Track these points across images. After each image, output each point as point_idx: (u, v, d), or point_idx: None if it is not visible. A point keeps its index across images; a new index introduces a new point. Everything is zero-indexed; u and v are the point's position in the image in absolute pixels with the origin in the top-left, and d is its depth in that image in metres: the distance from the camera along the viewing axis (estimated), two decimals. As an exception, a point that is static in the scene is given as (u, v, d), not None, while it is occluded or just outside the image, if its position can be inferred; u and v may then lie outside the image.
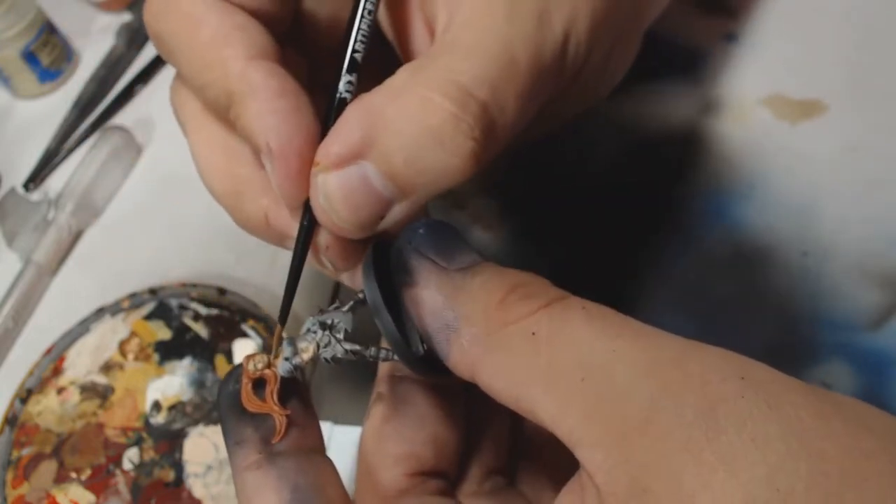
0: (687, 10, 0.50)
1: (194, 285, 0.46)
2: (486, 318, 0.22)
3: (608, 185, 0.45)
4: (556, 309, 0.22)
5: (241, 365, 0.26)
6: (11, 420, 0.43)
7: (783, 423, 0.18)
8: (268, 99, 0.25)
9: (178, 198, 0.51)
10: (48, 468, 0.42)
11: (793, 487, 0.17)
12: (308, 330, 0.26)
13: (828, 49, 0.48)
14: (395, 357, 0.25)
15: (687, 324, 0.41)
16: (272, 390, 0.25)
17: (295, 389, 0.26)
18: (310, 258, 0.27)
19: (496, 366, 0.22)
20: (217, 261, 0.48)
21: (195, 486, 0.40)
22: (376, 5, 0.27)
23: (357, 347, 0.25)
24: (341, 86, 0.26)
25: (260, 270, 0.47)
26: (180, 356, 0.44)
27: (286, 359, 0.25)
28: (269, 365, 0.25)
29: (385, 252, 0.25)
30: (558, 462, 0.30)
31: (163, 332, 0.45)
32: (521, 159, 0.47)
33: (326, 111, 0.26)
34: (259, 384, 0.25)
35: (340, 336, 0.25)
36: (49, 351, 0.45)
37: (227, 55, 0.26)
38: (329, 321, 0.26)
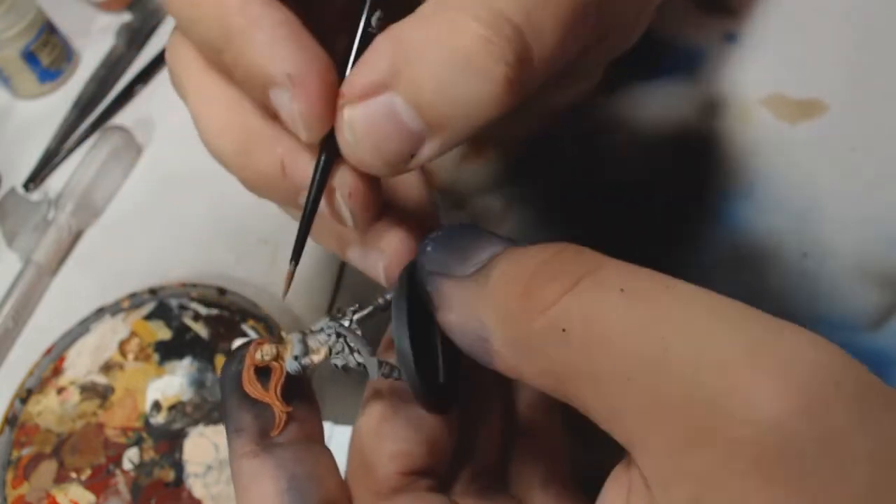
0: (687, 10, 0.50)
1: (194, 285, 0.46)
2: (511, 318, 0.20)
3: (608, 185, 0.45)
4: (586, 291, 0.19)
5: (246, 344, 0.25)
6: (11, 420, 0.43)
7: (875, 444, 0.16)
8: (275, 26, 0.22)
9: (178, 198, 0.51)
10: (48, 468, 0.42)
11: None
12: (322, 330, 0.25)
13: (828, 49, 0.48)
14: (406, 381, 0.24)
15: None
16: (277, 383, 0.25)
17: (299, 384, 0.26)
18: (326, 215, 0.25)
19: (536, 367, 0.20)
20: (217, 261, 0.48)
21: (195, 486, 0.40)
22: None
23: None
24: (370, 20, 0.24)
25: (260, 270, 0.47)
26: (180, 356, 0.44)
27: (295, 357, 0.25)
28: (276, 357, 0.25)
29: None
30: (550, 462, 0.30)
31: (163, 332, 0.45)
32: (520, 159, 0.47)
33: (349, 46, 0.24)
34: (263, 371, 0.25)
35: (355, 346, 0.25)
36: (49, 351, 0.45)
37: None
38: (343, 332, 0.25)
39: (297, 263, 0.25)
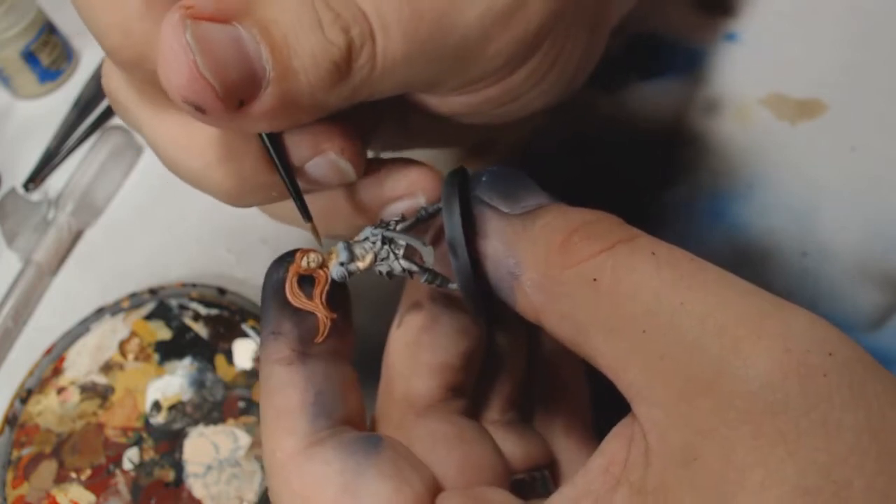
0: (687, 10, 0.50)
1: (194, 285, 0.46)
2: (547, 262, 0.21)
3: (607, 185, 0.45)
4: (621, 252, 0.21)
5: (291, 253, 0.25)
6: (11, 420, 0.43)
7: (861, 413, 0.17)
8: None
9: (178, 198, 0.51)
10: (48, 468, 0.42)
11: (850, 482, 0.16)
12: (366, 238, 0.25)
13: (828, 49, 0.48)
14: (448, 286, 0.24)
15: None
16: (322, 291, 0.24)
17: (339, 296, 0.25)
18: (329, 185, 0.25)
19: (558, 312, 0.21)
20: (217, 261, 0.48)
21: (195, 486, 0.40)
22: None
23: (414, 268, 0.25)
24: None
25: (260, 270, 0.47)
26: (180, 356, 0.44)
27: (341, 263, 0.25)
28: (322, 265, 0.25)
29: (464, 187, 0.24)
30: (573, 412, 0.30)
31: (163, 332, 0.45)
32: (519, 161, 0.47)
33: None
34: (304, 281, 0.25)
35: (400, 253, 0.25)
36: (49, 351, 0.45)
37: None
38: (391, 237, 0.25)
39: (311, 218, 0.25)
